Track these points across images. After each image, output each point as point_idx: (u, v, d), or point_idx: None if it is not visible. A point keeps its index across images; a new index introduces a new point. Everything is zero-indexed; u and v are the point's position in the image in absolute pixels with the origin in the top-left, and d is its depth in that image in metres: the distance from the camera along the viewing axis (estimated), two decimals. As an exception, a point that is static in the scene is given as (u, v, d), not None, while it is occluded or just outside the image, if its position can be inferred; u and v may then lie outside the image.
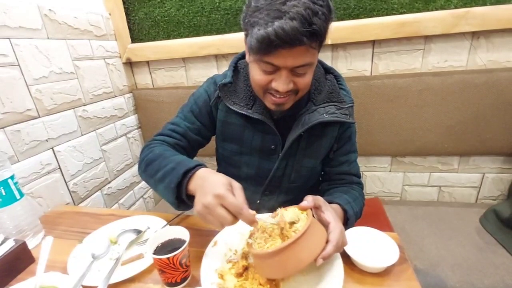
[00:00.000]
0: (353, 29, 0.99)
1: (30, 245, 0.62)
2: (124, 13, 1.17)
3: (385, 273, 0.52)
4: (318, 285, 0.48)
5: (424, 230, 1.00)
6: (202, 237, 0.63)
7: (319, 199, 0.53)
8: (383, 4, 0.97)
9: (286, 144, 0.69)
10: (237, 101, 0.69)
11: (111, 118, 1.14)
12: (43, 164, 0.84)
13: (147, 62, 1.27)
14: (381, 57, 1.06)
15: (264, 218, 0.52)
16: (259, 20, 0.50)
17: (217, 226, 0.46)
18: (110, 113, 1.13)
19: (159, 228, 0.65)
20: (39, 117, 0.84)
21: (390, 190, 1.27)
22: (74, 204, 0.96)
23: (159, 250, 0.50)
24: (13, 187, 0.61)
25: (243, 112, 0.67)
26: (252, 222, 0.46)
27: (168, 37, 1.19)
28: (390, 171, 1.23)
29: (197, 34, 1.16)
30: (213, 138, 0.79)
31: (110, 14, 1.15)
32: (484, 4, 0.91)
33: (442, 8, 0.94)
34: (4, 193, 0.60)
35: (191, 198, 0.53)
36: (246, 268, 0.52)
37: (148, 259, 0.57)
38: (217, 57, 1.19)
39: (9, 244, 0.57)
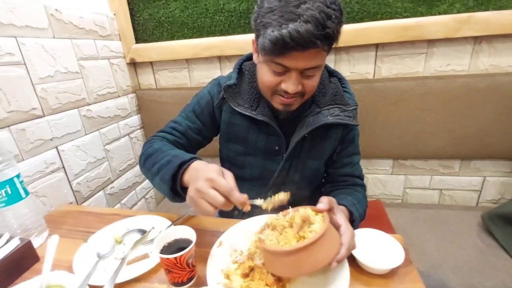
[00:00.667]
0: (357, 33, 1.00)
1: (35, 244, 0.62)
2: (128, 14, 1.17)
3: (390, 275, 0.52)
4: (324, 287, 0.48)
5: (426, 232, 1.01)
6: (206, 237, 0.63)
7: (333, 201, 0.54)
8: (387, 8, 0.98)
9: (290, 145, 0.70)
10: (242, 102, 0.69)
11: (114, 118, 1.14)
12: (47, 163, 0.85)
13: (151, 63, 1.27)
14: (384, 60, 1.07)
15: (275, 216, 0.52)
16: (273, 21, 0.50)
17: (208, 211, 0.47)
18: (113, 113, 1.14)
19: (163, 228, 0.65)
20: (44, 116, 0.84)
21: (392, 193, 1.27)
22: (77, 204, 0.96)
23: (166, 249, 0.50)
24: (18, 185, 0.62)
25: (247, 114, 0.68)
26: (243, 204, 0.48)
27: (172, 38, 1.19)
28: (391, 174, 1.24)
29: (201, 35, 1.16)
30: (215, 139, 0.80)
31: (114, 14, 1.16)
32: (487, 9, 0.92)
33: (445, 12, 0.95)
34: (10, 192, 0.60)
35: (186, 190, 0.53)
36: (252, 269, 0.52)
37: (154, 259, 0.57)
38: (221, 58, 1.20)
39: (15, 243, 0.57)
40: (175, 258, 0.46)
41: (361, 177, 0.79)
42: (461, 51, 1.00)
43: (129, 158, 1.23)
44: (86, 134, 0.99)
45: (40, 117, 0.83)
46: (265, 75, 0.59)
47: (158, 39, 1.21)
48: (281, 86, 0.58)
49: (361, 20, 1.01)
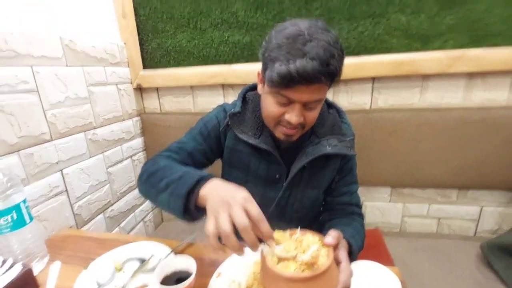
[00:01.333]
0: (354, 66, 1.05)
1: (36, 270, 0.63)
2: (138, 43, 1.23)
3: (387, 311, 0.53)
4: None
5: (424, 262, 1.00)
6: (205, 267, 0.64)
7: (341, 237, 0.54)
8: (383, 43, 1.04)
9: (290, 174, 0.72)
10: (246, 130, 0.72)
11: (118, 141, 1.17)
12: (51, 187, 0.86)
13: (156, 88, 1.32)
14: (381, 91, 1.11)
15: (282, 233, 0.53)
16: (281, 56, 0.55)
17: (225, 229, 0.42)
18: (118, 136, 1.17)
19: (163, 256, 0.66)
20: (52, 140, 0.87)
21: (390, 221, 1.27)
22: (77, 227, 0.96)
23: (165, 280, 0.51)
24: (24, 211, 0.63)
25: (250, 142, 0.71)
26: (269, 236, 0.46)
27: (178, 65, 1.25)
28: (390, 202, 1.25)
29: (206, 64, 1.22)
30: (218, 163, 0.81)
31: (125, 43, 1.22)
32: (480, 47, 0.98)
33: (439, 49, 1.00)
34: (15, 217, 0.61)
35: (199, 209, 0.51)
36: (250, 302, 0.52)
37: (153, 289, 0.57)
38: (224, 86, 1.25)
39: (17, 269, 0.57)
40: (175, 291, 0.47)
41: (359, 206, 0.80)
42: (455, 85, 1.05)
43: (130, 180, 1.25)
44: (90, 157, 1.02)
45: (48, 141, 0.85)
46: (270, 105, 0.63)
47: (165, 67, 1.26)
48: (285, 116, 0.61)
49: (358, 54, 1.07)
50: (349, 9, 1.03)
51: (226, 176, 0.81)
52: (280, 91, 0.58)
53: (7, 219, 0.60)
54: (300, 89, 0.56)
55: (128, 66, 1.25)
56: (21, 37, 0.77)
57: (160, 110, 1.36)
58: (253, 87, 0.78)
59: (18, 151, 0.77)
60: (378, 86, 1.11)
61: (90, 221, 1.02)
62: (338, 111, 0.78)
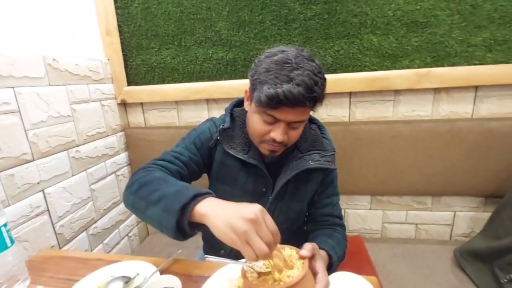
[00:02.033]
0: (332, 82, 1.10)
1: (17, 295, 0.62)
2: (122, 59, 1.25)
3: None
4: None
5: (403, 268, 1.05)
6: (190, 283, 0.65)
7: (316, 248, 0.57)
8: (357, 61, 1.11)
9: (276, 188, 0.75)
10: (234, 145, 0.75)
11: (102, 157, 1.17)
12: (32, 207, 0.85)
13: (141, 103, 1.33)
14: (358, 105, 1.18)
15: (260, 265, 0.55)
16: (269, 80, 0.60)
17: (260, 248, 0.42)
18: (101, 152, 1.16)
19: (148, 275, 0.66)
20: (33, 160, 0.86)
21: (371, 227, 1.32)
22: (59, 247, 0.94)
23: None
24: (5, 234, 0.62)
25: (239, 157, 0.74)
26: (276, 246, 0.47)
27: (162, 81, 1.27)
28: (370, 209, 1.30)
29: (190, 80, 1.25)
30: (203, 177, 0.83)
31: (108, 59, 1.23)
32: (442, 66, 1.06)
33: (407, 67, 1.08)
34: (-4, 242, 0.60)
35: (192, 226, 0.51)
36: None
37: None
38: (208, 101, 1.27)
39: (-3, 295, 0.56)
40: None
41: (340, 217, 0.84)
42: (423, 99, 1.13)
43: (114, 196, 1.24)
44: (73, 175, 1.01)
45: (29, 161, 0.85)
46: (256, 123, 0.67)
47: (149, 83, 1.28)
48: (270, 134, 0.65)
49: (335, 71, 1.13)
50: (325, 30, 1.10)
51: (213, 190, 0.83)
52: (267, 111, 0.62)
53: (-13, 244, 0.59)
54: (285, 110, 0.61)
55: (112, 82, 1.26)
56: (2, 58, 0.77)
57: (145, 125, 1.37)
58: (239, 103, 0.82)
59: (-1, 172, 0.76)
60: (355, 100, 1.17)
61: (72, 239, 1.00)
62: (320, 126, 0.83)
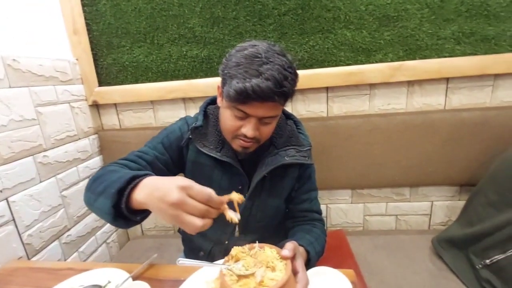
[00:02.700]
0: (308, 77, 1.11)
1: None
2: (92, 59, 1.20)
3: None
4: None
5: (384, 260, 1.06)
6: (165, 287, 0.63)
7: (297, 247, 0.56)
8: (332, 57, 1.11)
9: (251, 185, 0.74)
10: (207, 144, 0.74)
11: (73, 162, 1.11)
12: (-6, 218, 0.80)
13: (115, 104, 1.28)
14: (335, 100, 1.18)
15: (240, 249, 0.54)
16: (238, 74, 0.58)
17: (196, 226, 0.43)
18: (72, 157, 1.11)
19: (119, 282, 0.63)
20: (-6, 167, 0.81)
21: (353, 221, 1.34)
22: (28, 258, 0.89)
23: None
24: (-42, 248, 0.58)
25: (212, 155, 0.72)
26: (222, 203, 0.48)
27: (136, 81, 1.23)
28: (351, 203, 1.31)
29: (165, 79, 1.21)
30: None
31: (77, 59, 1.17)
32: (414, 59, 1.08)
33: (381, 61, 1.10)
34: None
35: (132, 212, 0.50)
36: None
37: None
38: (185, 100, 1.24)
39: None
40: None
41: (319, 212, 0.84)
42: (398, 92, 1.15)
43: (89, 202, 1.19)
44: (41, 182, 0.96)
45: (-11, 169, 0.79)
46: (228, 119, 0.66)
47: (122, 82, 1.23)
48: (241, 130, 0.64)
49: (311, 66, 1.13)
50: (300, 25, 1.10)
51: None
52: (236, 106, 0.61)
53: None
54: (255, 105, 0.60)
55: (82, 83, 1.20)
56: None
57: (120, 126, 1.32)
58: (214, 100, 0.80)
59: (-47, 182, 0.70)
60: (332, 95, 1.18)
61: (42, 249, 0.95)
62: (296, 122, 0.82)
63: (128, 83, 1.23)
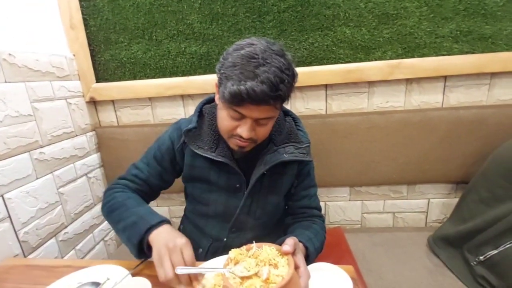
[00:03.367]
0: (307, 75, 1.11)
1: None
2: (89, 54, 1.18)
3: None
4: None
5: (382, 256, 1.07)
6: (165, 284, 0.62)
7: (297, 243, 0.57)
8: (331, 54, 1.11)
9: (250, 183, 0.74)
10: (202, 144, 0.73)
11: (70, 159, 1.10)
12: (-10, 214, 0.78)
13: (112, 101, 1.27)
14: (334, 98, 1.19)
15: (239, 251, 0.53)
16: (234, 76, 0.57)
17: (167, 275, 0.53)
18: (69, 154, 1.10)
19: (118, 279, 0.63)
20: (-11, 163, 0.79)
21: (351, 218, 1.35)
22: (24, 255, 0.88)
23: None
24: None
25: (207, 156, 0.72)
26: (194, 279, 0.55)
27: (134, 77, 1.21)
28: (349, 200, 1.32)
29: (163, 76, 1.20)
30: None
31: (74, 55, 1.16)
32: (412, 57, 1.09)
33: (380, 59, 1.10)
34: None
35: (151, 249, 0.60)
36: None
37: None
38: (183, 97, 1.24)
39: None
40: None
41: (318, 208, 0.84)
42: (396, 90, 1.15)
43: (86, 199, 1.18)
44: (37, 179, 0.94)
45: (-16, 165, 0.78)
46: (224, 119, 0.65)
47: (119, 79, 1.22)
48: (237, 130, 0.64)
49: (310, 64, 1.13)
50: (299, 22, 1.09)
51: (190, 188, 0.82)
52: (232, 107, 0.61)
53: None
54: (249, 107, 0.59)
55: (79, 79, 1.19)
56: None
57: (117, 123, 1.31)
58: (210, 100, 0.80)
59: None
60: (331, 93, 1.18)
61: (39, 247, 0.94)
62: (294, 119, 0.82)
63: (126, 80, 1.22)
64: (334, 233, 1.16)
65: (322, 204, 1.31)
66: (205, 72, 1.18)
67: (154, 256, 0.56)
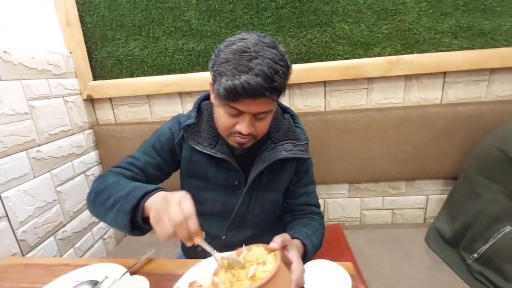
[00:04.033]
0: (306, 71, 1.10)
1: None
2: (86, 52, 1.17)
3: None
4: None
5: (381, 253, 1.07)
6: (164, 282, 0.62)
7: (287, 239, 0.56)
8: (330, 50, 1.10)
9: (248, 180, 0.74)
10: (201, 141, 0.72)
11: (68, 157, 1.09)
12: (-13, 214, 0.78)
13: (110, 99, 1.26)
14: (332, 94, 1.18)
15: (228, 255, 0.53)
16: (227, 71, 0.56)
17: (166, 230, 0.47)
18: (67, 152, 1.09)
19: (117, 278, 0.63)
20: (-14, 162, 0.79)
21: (350, 215, 1.35)
22: (22, 254, 0.88)
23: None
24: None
25: (206, 152, 0.71)
26: (194, 233, 0.48)
27: (131, 75, 1.20)
28: (348, 197, 1.32)
29: (161, 73, 1.19)
30: (175, 174, 0.81)
31: (70, 52, 1.15)
32: (412, 53, 1.08)
33: (379, 55, 1.10)
34: None
35: (147, 221, 0.53)
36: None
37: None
38: (181, 94, 1.23)
39: None
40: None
41: (317, 206, 0.84)
42: (395, 86, 1.15)
43: (84, 197, 1.17)
44: (35, 177, 0.94)
45: (-19, 164, 0.77)
46: (221, 117, 0.64)
47: (117, 76, 1.21)
48: (236, 127, 0.63)
49: (309, 60, 1.12)
50: (297, 18, 1.08)
51: (186, 186, 0.81)
52: (228, 103, 0.60)
53: None
54: (246, 102, 0.58)
55: (76, 77, 1.18)
56: None
57: (115, 121, 1.30)
58: (208, 96, 0.79)
59: None
60: (330, 90, 1.17)
61: (37, 245, 0.94)
62: (293, 116, 0.82)
63: (123, 77, 1.21)
64: (333, 230, 1.16)
65: (321, 201, 1.32)
66: (203, 69, 1.17)
67: (152, 216, 0.49)
